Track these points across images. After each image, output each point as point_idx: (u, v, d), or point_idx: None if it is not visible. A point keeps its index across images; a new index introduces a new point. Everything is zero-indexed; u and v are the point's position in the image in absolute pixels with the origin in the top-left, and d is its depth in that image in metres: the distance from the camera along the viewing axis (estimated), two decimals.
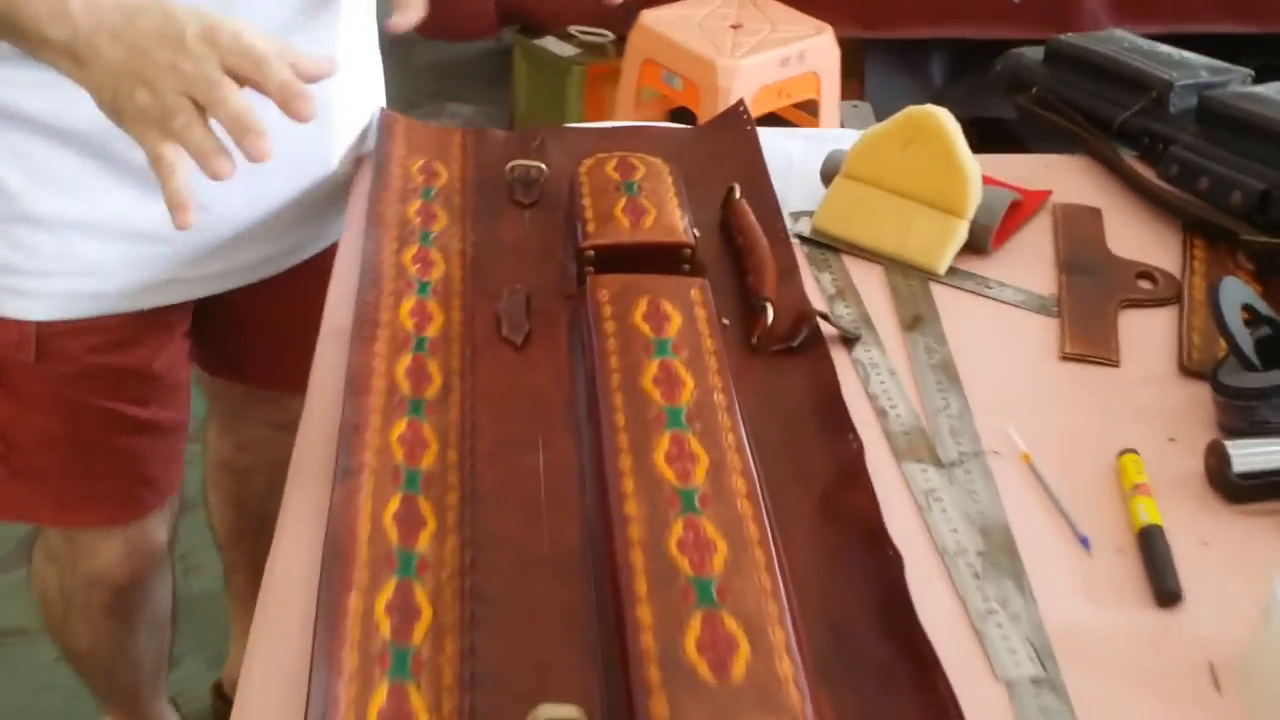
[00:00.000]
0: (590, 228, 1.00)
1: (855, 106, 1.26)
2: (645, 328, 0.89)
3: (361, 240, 1.03)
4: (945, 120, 1.04)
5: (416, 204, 1.08)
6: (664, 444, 0.79)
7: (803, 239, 1.08)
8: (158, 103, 0.81)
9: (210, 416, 1.44)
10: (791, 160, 1.19)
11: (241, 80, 0.82)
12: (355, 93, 1.19)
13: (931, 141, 1.04)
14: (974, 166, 1.04)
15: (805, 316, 0.95)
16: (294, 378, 1.01)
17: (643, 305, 0.91)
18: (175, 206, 0.82)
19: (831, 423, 0.87)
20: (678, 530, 0.74)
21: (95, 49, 0.82)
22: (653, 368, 0.85)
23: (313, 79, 0.84)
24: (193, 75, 0.81)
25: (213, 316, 1.19)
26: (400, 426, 0.85)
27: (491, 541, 0.78)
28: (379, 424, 0.85)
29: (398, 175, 1.11)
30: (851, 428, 0.85)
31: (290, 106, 0.83)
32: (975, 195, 1.04)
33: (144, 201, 1.02)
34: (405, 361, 0.91)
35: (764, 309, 0.95)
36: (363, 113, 1.20)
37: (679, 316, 0.90)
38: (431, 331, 0.94)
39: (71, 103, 0.88)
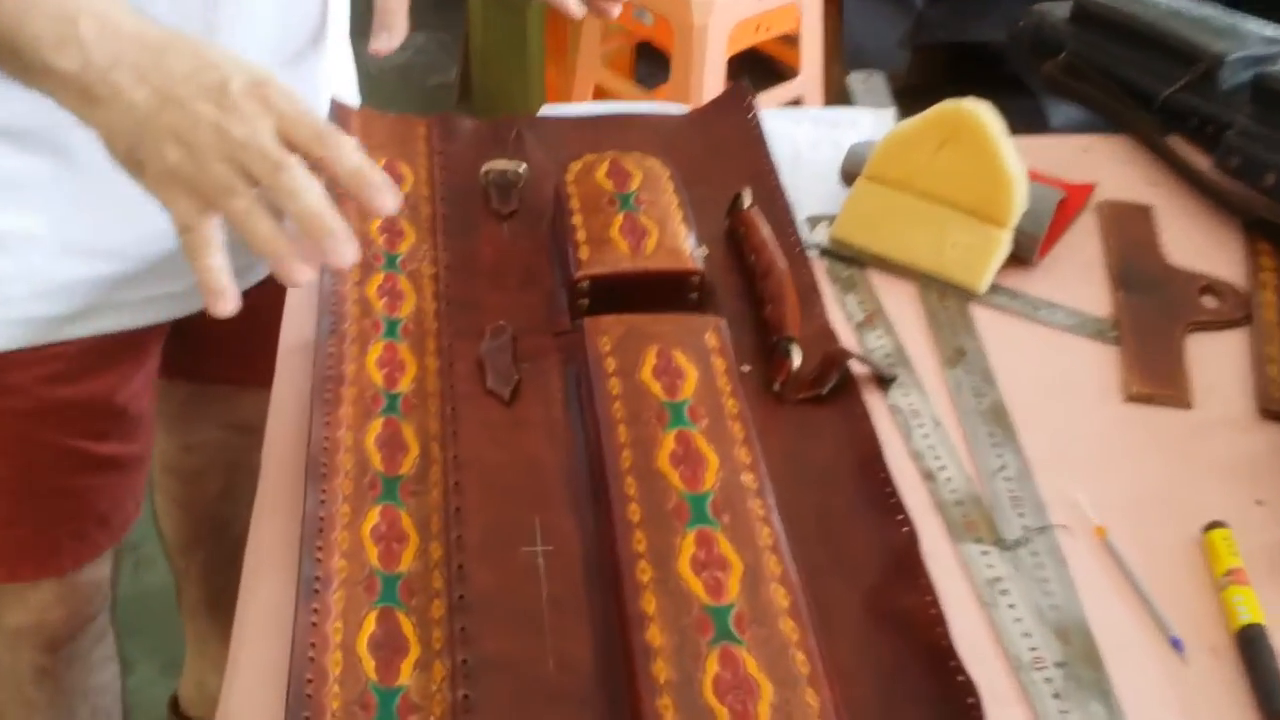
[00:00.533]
0: (583, 253, 0.87)
1: (866, 79, 1.12)
2: (656, 387, 0.76)
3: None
4: (986, 117, 0.91)
5: (377, 220, 0.94)
6: (689, 546, 0.67)
7: (822, 251, 0.95)
8: (197, 168, 0.68)
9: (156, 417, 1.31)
10: (799, 151, 1.06)
11: (298, 153, 0.69)
12: (328, 84, 1.04)
13: (971, 142, 0.91)
14: (1019, 170, 0.91)
15: (835, 359, 0.82)
16: (248, 372, 0.88)
17: (651, 357, 0.78)
18: (216, 291, 0.69)
19: (874, 495, 0.75)
20: (713, 667, 0.62)
21: (113, 87, 0.70)
22: (669, 442, 0.73)
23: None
24: (246, 144, 0.68)
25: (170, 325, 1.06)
26: (373, 517, 0.72)
27: (486, 667, 0.66)
28: (348, 515, 0.72)
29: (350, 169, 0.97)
30: (901, 506, 0.74)
31: (367, 197, 0.71)
32: (1020, 202, 0.91)
33: (112, 213, 0.88)
34: (375, 428, 0.78)
35: (788, 352, 0.82)
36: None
37: (694, 370, 0.77)
38: (405, 385, 0.81)
39: (24, 98, 0.74)
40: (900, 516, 0.73)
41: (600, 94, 2.34)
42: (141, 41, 0.71)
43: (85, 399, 0.97)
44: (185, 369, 1.18)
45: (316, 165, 0.71)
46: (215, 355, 1.15)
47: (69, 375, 0.95)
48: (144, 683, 1.60)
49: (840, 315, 0.90)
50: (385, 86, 2.81)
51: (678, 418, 0.74)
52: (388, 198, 0.72)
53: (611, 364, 0.78)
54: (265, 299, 0.99)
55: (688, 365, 0.78)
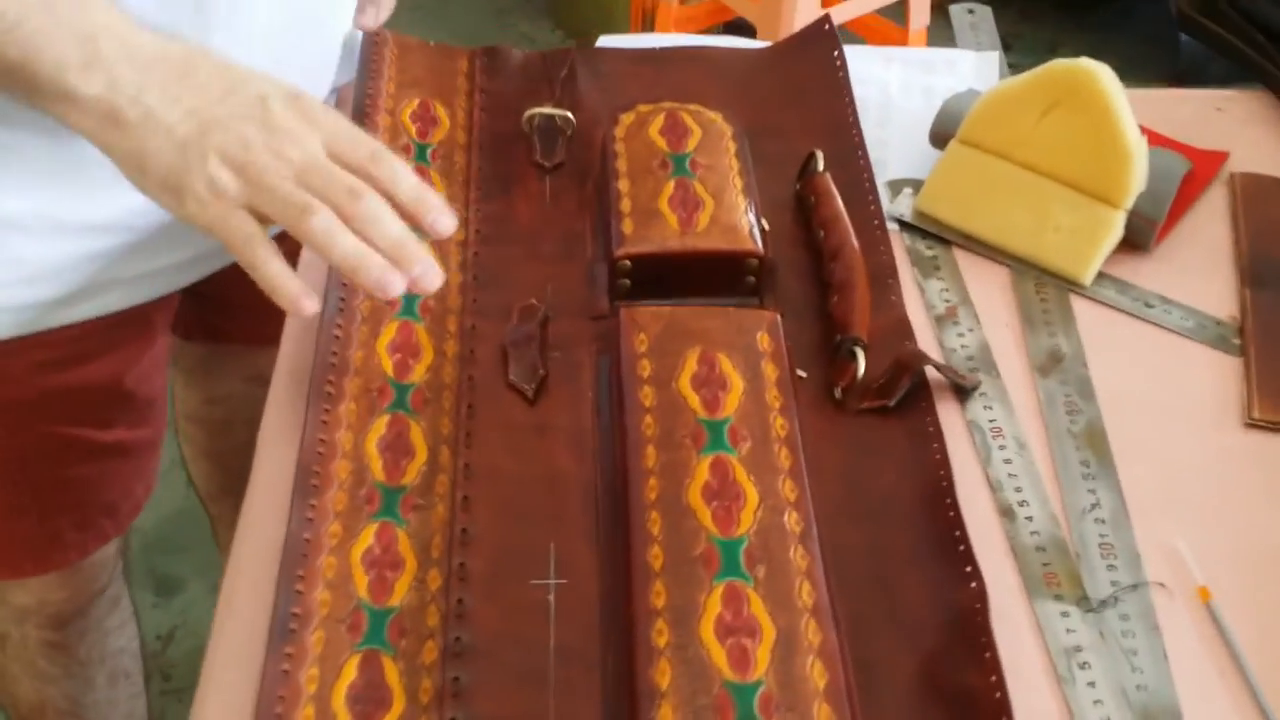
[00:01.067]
0: (627, 227, 0.76)
1: (971, 12, 0.99)
2: (695, 400, 0.66)
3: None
4: (1105, 80, 0.78)
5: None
6: (714, 605, 0.58)
7: (903, 224, 0.84)
8: (256, 190, 0.65)
9: (174, 369, 1.24)
10: (889, 96, 0.93)
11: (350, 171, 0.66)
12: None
13: (1084, 108, 0.78)
14: (1139, 142, 0.78)
15: (908, 365, 0.72)
16: (266, 331, 0.81)
17: (692, 362, 0.68)
18: (294, 295, 0.65)
19: (941, 537, 0.65)
20: None
21: (145, 111, 0.65)
22: (703, 471, 0.63)
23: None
24: (307, 166, 0.65)
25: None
26: (367, 538, 0.64)
27: None
28: (338, 536, 0.64)
29: (385, 126, 0.87)
30: (970, 556, 0.63)
31: (427, 222, 0.68)
32: (1139, 180, 0.79)
33: (104, 185, 0.79)
34: (380, 428, 0.69)
35: (853, 355, 0.72)
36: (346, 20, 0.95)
37: (740, 381, 0.67)
38: (417, 375, 0.72)
39: None
40: (969, 569, 0.63)
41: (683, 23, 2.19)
42: (166, 59, 0.66)
43: (89, 384, 0.89)
44: (202, 330, 1.10)
45: (370, 182, 0.67)
46: (231, 317, 1.07)
47: (70, 360, 0.87)
48: (193, 601, 1.57)
49: (918, 305, 0.79)
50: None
51: (716, 440, 0.64)
52: (446, 220, 0.69)
53: (646, 368, 0.68)
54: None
55: (733, 374, 0.68)
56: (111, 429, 0.93)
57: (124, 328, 0.89)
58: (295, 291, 0.65)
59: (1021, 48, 2.49)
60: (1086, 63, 0.78)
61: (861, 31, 2.24)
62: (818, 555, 0.61)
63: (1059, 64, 0.79)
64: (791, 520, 0.62)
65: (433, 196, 0.69)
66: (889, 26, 2.19)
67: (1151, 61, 2.39)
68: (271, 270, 0.65)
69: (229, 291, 1.00)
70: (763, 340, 0.70)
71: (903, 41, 2.13)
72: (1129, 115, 0.78)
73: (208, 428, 1.25)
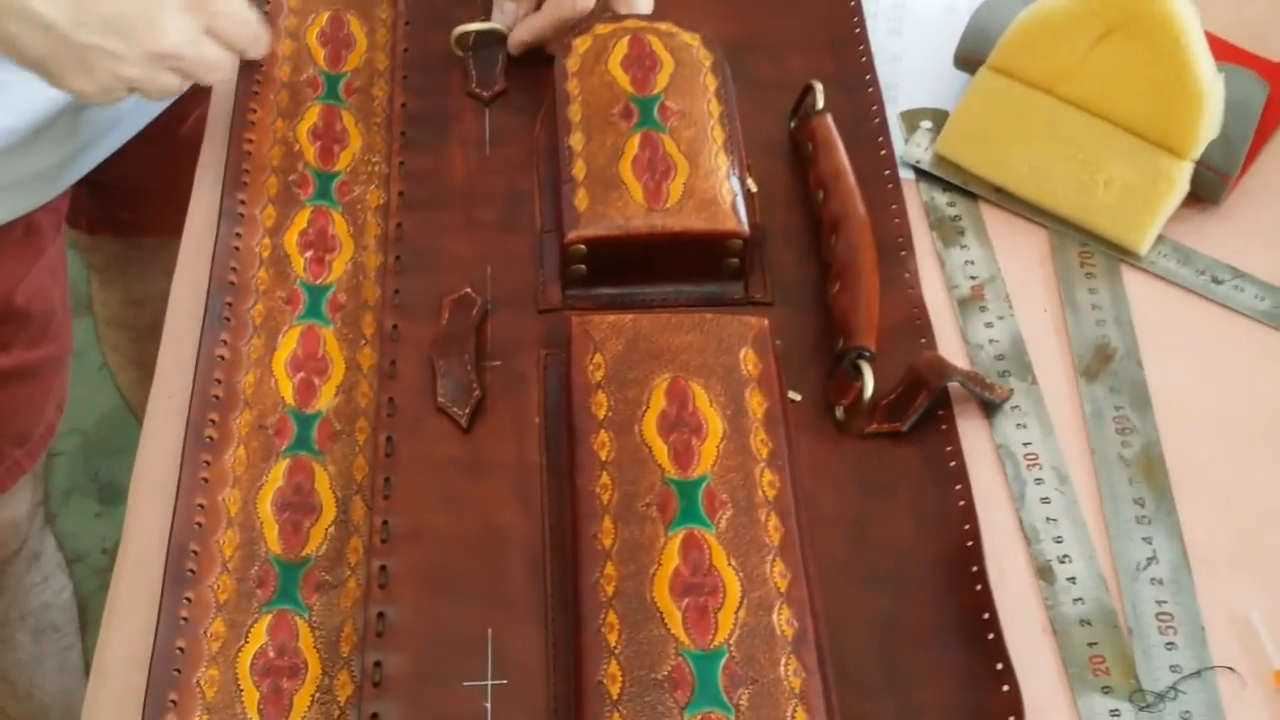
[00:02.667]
0: (581, 201, 0.62)
1: None
2: (662, 451, 0.53)
3: (218, 189, 0.65)
4: (1174, 4, 0.62)
5: (312, 113, 0.69)
6: None
7: (920, 172, 0.69)
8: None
9: (90, 269, 1.10)
10: None
11: None
12: None
13: (1148, 37, 0.62)
14: (1214, 80, 0.63)
15: (924, 381, 0.58)
16: (178, 220, 0.70)
17: (659, 397, 0.55)
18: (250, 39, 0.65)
19: (965, 611, 0.53)
20: None
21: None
22: (672, 554, 0.51)
23: None
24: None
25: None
26: (258, 636, 0.52)
27: None
28: (221, 640, 0.52)
29: (287, 54, 0.71)
30: (1002, 650, 0.52)
31: None
32: (1211, 126, 0.64)
33: None
34: (276, 478, 0.56)
35: (859, 371, 0.58)
36: None
37: (720, 423, 0.54)
38: (325, 400, 0.59)
39: None
40: (999, 665, 0.51)
41: None
42: None
43: None
44: (108, 224, 0.98)
45: None
46: (134, 206, 0.96)
47: None
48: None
49: (937, 282, 0.65)
50: None
51: (689, 509, 0.52)
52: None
53: (603, 404, 0.55)
54: (174, 141, 0.85)
55: (710, 412, 0.54)
56: (9, 351, 0.81)
57: (3, 240, 0.76)
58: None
59: None
60: None
61: None
62: (815, 666, 0.49)
63: None
64: (782, 620, 0.49)
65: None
66: None
67: None
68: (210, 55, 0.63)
69: (128, 178, 0.89)
70: (747, 360, 0.56)
71: None
72: (1203, 47, 0.62)
73: (132, 332, 1.14)
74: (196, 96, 0.80)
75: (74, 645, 1.10)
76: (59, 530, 1.22)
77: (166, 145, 0.83)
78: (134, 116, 0.82)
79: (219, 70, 0.65)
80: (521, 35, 0.70)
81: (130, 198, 0.94)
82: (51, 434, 0.91)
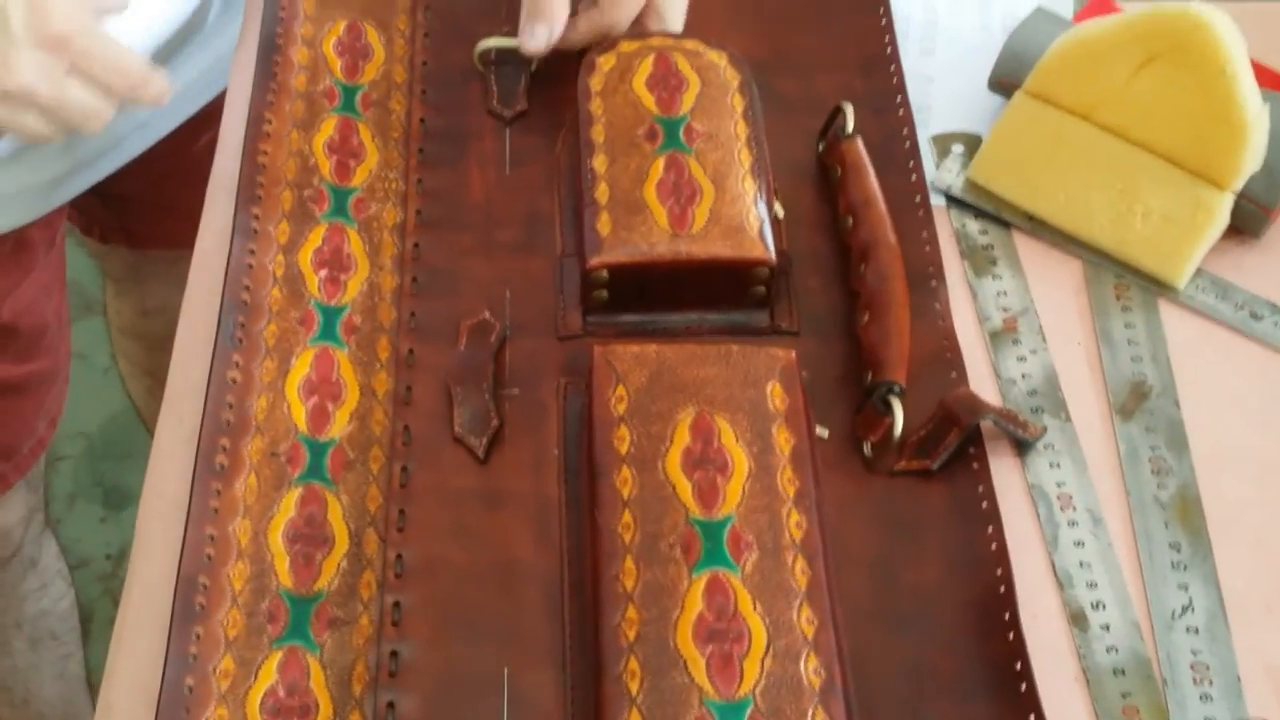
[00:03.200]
0: (604, 226, 0.60)
1: None
2: (686, 490, 0.52)
3: (231, 203, 0.64)
4: (1220, 32, 0.60)
5: (328, 126, 0.67)
6: None
7: (951, 199, 0.67)
8: None
9: (105, 277, 1.09)
10: (936, 15, 0.75)
11: None
12: None
13: (1192, 65, 0.61)
14: (1260, 111, 0.61)
15: (956, 417, 0.57)
16: (191, 234, 0.68)
17: (684, 432, 0.53)
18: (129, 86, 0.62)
19: (997, 667, 0.51)
20: None
21: None
22: (696, 597, 0.49)
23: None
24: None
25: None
26: (268, 675, 0.50)
27: None
28: (230, 678, 0.50)
29: (303, 63, 0.69)
30: (1034, 702, 0.50)
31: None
32: (1254, 158, 0.62)
33: None
34: (288, 508, 0.55)
35: (889, 407, 0.56)
36: None
37: (746, 460, 0.52)
38: (339, 427, 0.57)
39: None
40: (1033, 717, 0.50)
41: None
42: None
43: None
44: (121, 234, 0.97)
45: None
46: (147, 219, 0.95)
47: None
48: None
49: (968, 314, 0.63)
50: None
51: (714, 551, 0.50)
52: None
53: (625, 438, 0.53)
54: (185, 158, 0.81)
55: (736, 449, 0.53)
56: None
57: None
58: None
59: None
60: (1199, 9, 0.60)
61: None
62: (842, 714, 0.47)
63: (1163, 9, 0.61)
64: (810, 669, 0.48)
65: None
66: None
67: None
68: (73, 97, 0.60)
69: (141, 192, 0.89)
70: (774, 394, 0.54)
71: None
72: (1249, 76, 0.61)
73: (145, 342, 1.12)
74: (208, 118, 0.78)
75: (74, 654, 1.08)
76: (62, 536, 1.20)
77: (179, 162, 0.82)
78: (135, 139, 0.80)
79: (94, 118, 0.61)
80: (556, 46, 0.68)
81: (144, 211, 0.93)
82: (44, 447, 0.89)
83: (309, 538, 0.54)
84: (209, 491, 0.54)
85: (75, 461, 1.42)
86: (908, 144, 0.68)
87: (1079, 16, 0.71)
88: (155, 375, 1.12)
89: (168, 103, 0.64)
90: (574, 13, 0.67)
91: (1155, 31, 0.61)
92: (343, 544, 0.54)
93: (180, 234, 0.89)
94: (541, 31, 0.67)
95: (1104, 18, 0.63)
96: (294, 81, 0.69)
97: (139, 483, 1.48)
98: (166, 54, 0.77)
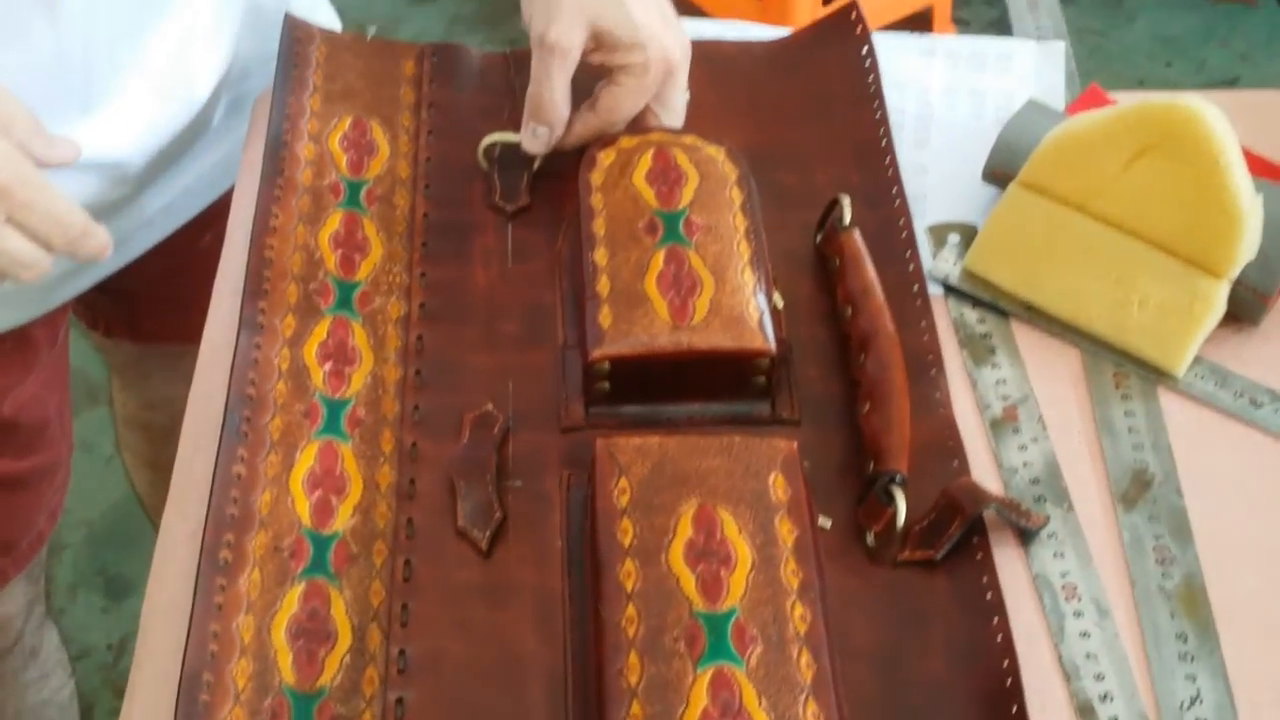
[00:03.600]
0: (606, 318, 0.61)
1: None
2: (690, 583, 0.51)
3: (237, 299, 0.64)
4: (1211, 124, 0.61)
5: (334, 220, 0.68)
6: None
7: (949, 288, 0.68)
8: None
9: (109, 370, 1.09)
10: (930, 106, 0.76)
11: None
12: None
13: (1185, 157, 0.62)
14: (1253, 201, 0.62)
15: (959, 507, 0.57)
16: (198, 329, 0.69)
17: (686, 524, 0.53)
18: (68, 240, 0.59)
19: None
20: None
21: None
22: (701, 691, 0.49)
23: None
24: None
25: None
26: None
27: None
28: None
29: (309, 158, 0.71)
30: None
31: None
32: (1249, 247, 0.63)
33: None
34: (291, 603, 0.55)
35: (891, 498, 0.57)
36: None
37: (749, 552, 0.52)
38: (342, 521, 0.57)
39: None
40: None
41: None
42: None
43: None
44: (126, 329, 0.97)
45: None
46: (153, 314, 0.95)
47: None
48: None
49: (968, 403, 0.63)
50: None
51: (718, 644, 0.50)
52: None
53: (628, 531, 0.53)
54: (190, 254, 0.81)
55: (739, 541, 0.53)
56: None
57: None
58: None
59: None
60: (1190, 101, 0.61)
61: None
62: None
63: (1153, 102, 0.62)
64: None
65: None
66: None
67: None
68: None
69: (147, 288, 0.89)
70: (777, 485, 0.55)
71: None
72: (1242, 167, 0.61)
73: (149, 434, 1.12)
74: (214, 215, 0.79)
75: None
76: (64, 625, 1.20)
77: (184, 259, 0.83)
78: (141, 238, 0.81)
79: (29, 267, 0.59)
80: (558, 145, 0.70)
81: (148, 306, 0.93)
82: (43, 541, 0.89)
83: (312, 633, 0.54)
84: (213, 587, 0.54)
85: (77, 550, 1.42)
86: (904, 234, 0.68)
87: (1071, 109, 0.73)
88: (159, 467, 1.12)
89: (109, 256, 0.62)
90: (575, 108, 0.69)
91: (1147, 124, 0.62)
92: (345, 639, 0.54)
93: (185, 328, 0.89)
94: (543, 132, 0.68)
95: (1096, 110, 0.64)
96: (300, 176, 0.70)
97: (141, 572, 1.48)
98: (173, 155, 0.78)
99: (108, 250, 0.61)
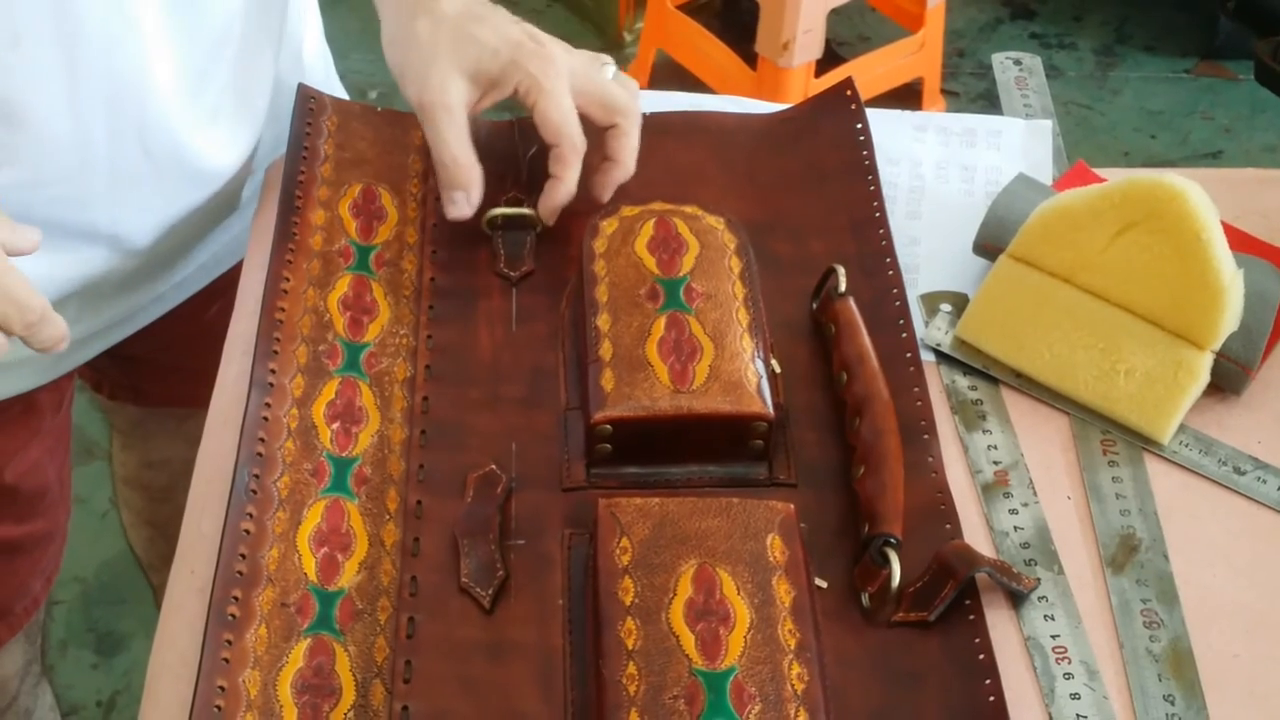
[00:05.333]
0: (608, 382, 0.62)
1: (1018, 64, 0.84)
2: (689, 641, 0.53)
3: (248, 360, 0.66)
4: (1194, 201, 0.63)
5: (343, 283, 0.70)
6: None
7: (941, 355, 0.70)
8: None
9: (110, 429, 1.10)
10: (922, 180, 0.79)
11: None
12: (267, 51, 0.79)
13: (1168, 233, 0.64)
14: (1234, 276, 0.64)
15: (952, 570, 0.58)
16: (200, 393, 0.69)
17: (686, 583, 0.55)
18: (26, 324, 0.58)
19: None
20: None
21: None
22: None
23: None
24: None
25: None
26: None
27: None
28: None
29: (319, 224, 0.73)
30: None
31: None
32: (1231, 320, 0.65)
33: None
34: (297, 660, 0.55)
35: (885, 560, 0.58)
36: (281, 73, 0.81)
37: (748, 612, 0.54)
38: (348, 578, 0.59)
39: None
40: None
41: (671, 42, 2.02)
42: None
43: None
44: (128, 392, 0.98)
45: None
46: (158, 379, 0.96)
47: None
48: (137, 662, 1.43)
49: (960, 467, 0.65)
50: None
51: (717, 703, 0.51)
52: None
53: (629, 590, 0.55)
54: (197, 324, 0.83)
55: (737, 601, 0.54)
56: None
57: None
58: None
59: (1046, 15, 2.32)
60: (1172, 180, 0.64)
61: (876, 4, 2.08)
62: None
63: (1138, 179, 0.64)
64: None
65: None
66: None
67: (1185, 34, 2.23)
68: None
69: (152, 354, 0.89)
70: (774, 546, 0.56)
71: (919, 16, 1.96)
72: (1222, 243, 0.64)
73: (148, 493, 1.13)
74: (222, 287, 0.80)
75: None
76: (54, 682, 1.19)
77: (191, 327, 0.84)
78: (151, 309, 0.82)
79: None
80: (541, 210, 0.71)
81: (153, 371, 0.94)
82: (38, 606, 0.90)
83: (317, 688, 0.55)
84: (220, 642, 0.55)
85: (69, 606, 1.42)
86: (897, 303, 0.70)
87: (1059, 184, 0.75)
88: (156, 526, 1.13)
89: (65, 347, 0.61)
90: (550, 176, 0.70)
91: (1132, 201, 0.64)
92: (350, 695, 0.55)
93: (189, 393, 0.90)
94: (459, 197, 0.70)
95: (1083, 187, 0.66)
96: (311, 241, 0.71)
97: (133, 629, 1.48)
98: (191, 235, 0.79)
99: (64, 343, 0.60)
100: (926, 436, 0.65)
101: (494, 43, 0.67)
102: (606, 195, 0.72)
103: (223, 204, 0.80)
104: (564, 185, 0.70)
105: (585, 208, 0.72)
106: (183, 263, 0.81)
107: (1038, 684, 0.57)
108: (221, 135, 0.76)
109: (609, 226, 0.69)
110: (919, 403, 0.66)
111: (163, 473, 1.08)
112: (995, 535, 0.62)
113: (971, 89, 2.18)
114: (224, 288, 0.79)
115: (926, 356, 0.69)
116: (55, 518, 0.87)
